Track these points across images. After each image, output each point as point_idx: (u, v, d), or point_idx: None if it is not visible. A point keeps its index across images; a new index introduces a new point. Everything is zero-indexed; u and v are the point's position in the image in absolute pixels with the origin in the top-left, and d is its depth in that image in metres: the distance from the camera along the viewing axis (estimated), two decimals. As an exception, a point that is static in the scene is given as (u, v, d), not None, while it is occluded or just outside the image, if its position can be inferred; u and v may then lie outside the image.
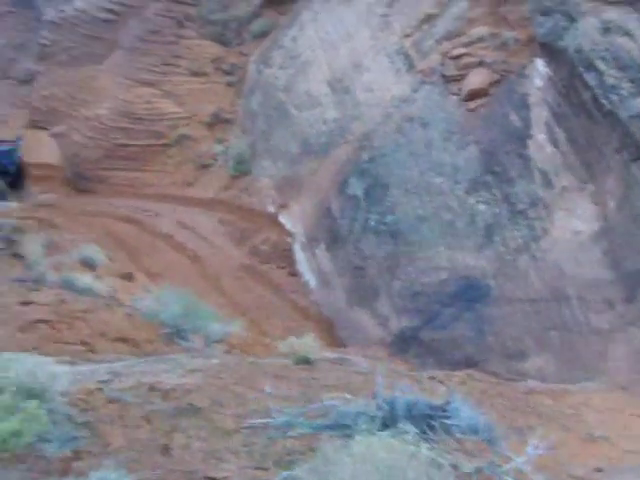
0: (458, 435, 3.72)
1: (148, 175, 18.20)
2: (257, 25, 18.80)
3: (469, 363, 9.34)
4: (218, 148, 17.52)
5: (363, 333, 11.60)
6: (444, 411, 3.85)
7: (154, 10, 19.50)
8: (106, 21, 19.85)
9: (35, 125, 20.05)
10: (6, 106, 20.75)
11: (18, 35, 21.53)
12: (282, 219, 14.61)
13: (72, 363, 4.93)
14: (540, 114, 11.01)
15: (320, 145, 14.29)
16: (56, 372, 3.68)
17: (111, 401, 4.01)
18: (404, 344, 10.65)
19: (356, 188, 12.67)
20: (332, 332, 11.97)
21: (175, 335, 7.46)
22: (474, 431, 3.82)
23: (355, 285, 12.16)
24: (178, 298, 7.81)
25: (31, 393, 3.43)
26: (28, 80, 20.86)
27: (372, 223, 12.11)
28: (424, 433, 3.53)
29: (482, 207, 11.00)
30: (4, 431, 3.08)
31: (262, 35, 18.58)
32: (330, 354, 7.41)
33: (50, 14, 20.24)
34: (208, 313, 8.04)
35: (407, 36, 13.81)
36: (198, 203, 16.69)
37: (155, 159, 18.22)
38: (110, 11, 19.76)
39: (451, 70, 12.58)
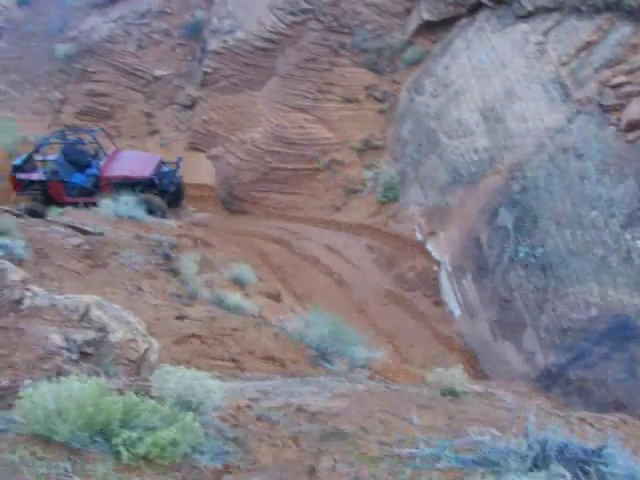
0: (614, 484, 3.47)
1: (298, 198, 18.93)
2: (410, 53, 19.28)
3: (618, 406, 9.11)
4: (368, 174, 18.00)
5: (507, 367, 11.53)
6: (599, 456, 3.58)
7: (310, 39, 20.51)
8: (264, 50, 21.05)
9: (194, 147, 21.38)
10: (170, 130, 22.34)
11: (185, 65, 23.25)
12: (429, 247, 14.80)
13: (222, 379, 4.95)
14: None
15: (470, 174, 14.38)
16: (210, 387, 3.82)
17: (260, 419, 4.18)
18: (549, 381, 10.52)
19: (506, 219, 12.67)
20: (475, 364, 12.03)
21: (320, 357, 7.69)
22: (632, 481, 3.55)
23: (501, 317, 12.12)
24: (324, 321, 7.99)
25: (188, 405, 3.62)
26: (190, 105, 22.32)
27: (521, 255, 12.03)
28: (577, 478, 3.41)
29: (639, 243, 10.75)
30: (164, 440, 3.24)
31: (414, 63, 19.03)
32: (476, 387, 7.21)
33: (214, 44, 21.70)
34: (353, 337, 8.08)
35: (563, 64, 13.75)
36: (346, 228, 17.08)
37: (305, 183, 18.97)
38: (269, 40, 20.98)
39: (610, 99, 12.34)
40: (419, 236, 15.22)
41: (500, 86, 14.82)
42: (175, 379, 3.75)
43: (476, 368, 11.91)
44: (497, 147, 14.10)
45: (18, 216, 12.07)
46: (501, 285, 12.27)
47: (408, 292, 14.14)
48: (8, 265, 5.10)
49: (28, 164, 17.30)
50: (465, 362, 11.88)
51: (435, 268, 14.27)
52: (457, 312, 13.14)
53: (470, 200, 13.98)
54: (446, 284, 13.70)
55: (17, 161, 17.33)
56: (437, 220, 14.84)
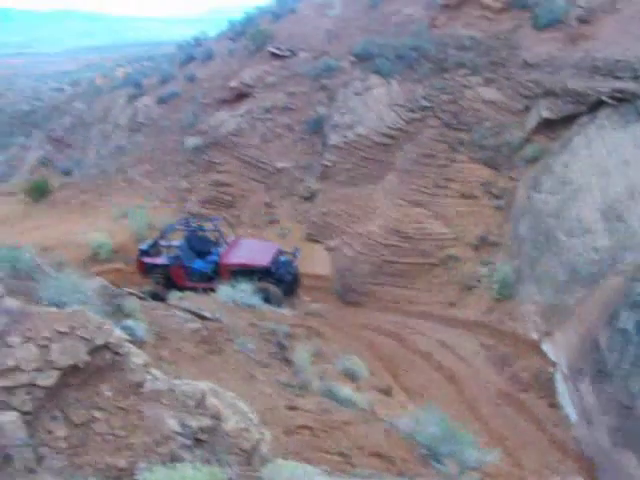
0: None
1: (413, 292, 19.24)
2: (528, 150, 19.79)
3: None
4: (483, 270, 18.26)
5: (628, 479, 11.22)
6: None
7: (429, 135, 21.41)
8: (383, 145, 22.12)
9: (311, 238, 22.24)
10: (289, 220, 23.35)
11: (305, 158, 24.58)
12: (545, 347, 14.75)
13: (330, 474, 5.08)
14: None
15: (589, 273, 14.37)
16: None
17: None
18: (673, 496, 10.19)
19: (627, 321, 12.48)
20: (592, 473, 11.72)
21: (431, 457, 7.54)
22: None
23: (621, 425, 11.79)
24: (436, 419, 7.86)
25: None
26: (309, 197, 23.41)
27: None
28: None
29: None
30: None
31: (533, 160, 19.51)
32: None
33: (335, 139, 22.96)
34: (465, 438, 7.86)
35: (688, 164, 13.76)
36: (459, 324, 17.21)
37: (421, 277, 19.34)
38: (388, 136, 22.03)
39: None
40: (534, 335, 15.20)
41: (622, 185, 14.90)
42: (287, 473, 3.95)
43: (593, 477, 11.55)
44: (618, 247, 14.08)
45: (142, 299, 12.95)
46: (622, 391, 12.01)
47: (522, 393, 14.01)
48: (132, 348, 5.29)
49: (153, 249, 18.63)
50: (582, 471, 11.70)
51: (550, 369, 14.15)
52: (573, 416, 12.89)
53: (589, 301, 13.91)
54: (562, 386, 13.52)
55: (144, 246, 18.69)
56: (553, 319, 14.79)
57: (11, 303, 4.87)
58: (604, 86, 17.57)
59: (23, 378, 4.30)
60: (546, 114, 19.38)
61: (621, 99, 16.77)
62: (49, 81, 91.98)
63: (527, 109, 20.73)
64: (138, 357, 5.25)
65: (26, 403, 4.25)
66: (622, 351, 12.33)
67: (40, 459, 4.16)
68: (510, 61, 22.13)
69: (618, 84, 17.18)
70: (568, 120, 18.88)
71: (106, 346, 4.92)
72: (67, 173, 33.34)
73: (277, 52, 30.19)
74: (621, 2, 20.64)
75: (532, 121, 20.14)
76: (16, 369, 4.31)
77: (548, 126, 19.54)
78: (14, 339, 4.44)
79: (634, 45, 18.40)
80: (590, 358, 13.02)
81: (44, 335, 4.52)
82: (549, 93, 19.65)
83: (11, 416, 4.11)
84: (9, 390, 4.25)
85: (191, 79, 33.58)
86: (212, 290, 15.46)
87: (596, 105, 17.79)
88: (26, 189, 31.17)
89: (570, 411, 13.04)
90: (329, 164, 22.70)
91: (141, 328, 8.54)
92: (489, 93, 21.70)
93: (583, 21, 21.07)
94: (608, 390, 12.28)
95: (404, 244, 19.93)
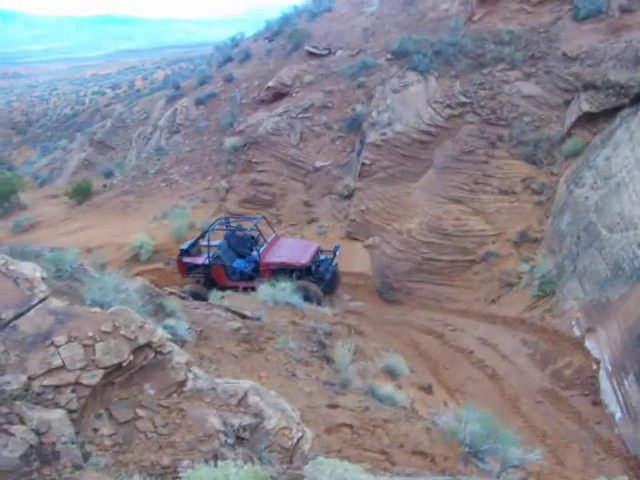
0: None
1: (453, 290, 19.25)
2: (569, 145, 19.59)
3: None
4: (524, 267, 18.07)
5: (673, 477, 11.09)
6: None
7: (467, 131, 21.31)
8: (422, 142, 22.05)
9: (351, 236, 22.30)
10: (328, 219, 23.50)
11: (344, 156, 24.68)
12: (588, 344, 14.49)
13: (372, 472, 5.03)
14: None
15: (633, 269, 14.12)
16: (361, 481, 3.86)
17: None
18: None
19: (671, 317, 12.40)
20: (638, 471, 11.53)
21: (472, 455, 7.43)
22: None
23: None
24: (478, 417, 7.72)
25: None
26: (348, 195, 23.42)
27: None
28: None
29: None
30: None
31: (573, 155, 19.31)
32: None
33: (373, 137, 22.93)
34: (507, 436, 7.69)
35: None
36: (501, 321, 17.07)
37: (461, 275, 19.33)
38: (426, 133, 21.97)
39: None
40: (577, 332, 15.01)
41: (666, 179, 14.63)
42: (328, 471, 3.93)
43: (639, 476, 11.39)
44: (662, 242, 13.83)
45: (183, 298, 13.16)
46: (667, 388, 11.84)
47: (564, 390, 13.82)
48: (174, 347, 5.37)
49: (194, 248, 18.92)
50: (629, 470, 11.47)
51: (594, 366, 13.92)
52: (618, 414, 12.66)
53: (633, 296, 13.68)
54: (606, 384, 13.32)
55: (184, 246, 18.99)
56: (596, 316, 14.59)
57: (56, 304, 5.02)
58: (647, 77, 17.31)
59: (69, 377, 4.43)
60: (587, 107, 19.14)
61: (664, 91, 16.51)
62: (90, 85, 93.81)
63: (567, 103, 20.52)
64: (180, 356, 5.35)
65: (72, 401, 4.38)
66: (667, 348, 12.17)
67: (86, 456, 4.28)
68: (549, 55, 21.93)
69: (662, 75, 16.91)
70: (609, 113, 18.63)
71: (149, 345, 5.02)
72: (108, 175, 34.01)
73: (314, 51, 30.35)
74: (663, -10, 20.31)
75: (572, 115, 19.91)
76: (62, 368, 4.44)
77: (589, 120, 19.30)
78: (59, 339, 4.57)
79: (678, 35, 18.09)
80: (634, 355, 12.81)
81: (88, 335, 4.66)
82: (590, 86, 19.40)
83: (58, 414, 4.23)
84: (56, 389, 4.37)
85: (229, 80, 33.98)
86: (252, 289, 15.75)
87: (639, 97, 17.50)
88: (69, 191, 31.94)
89: (614, 409, 12.81)
90: (367, 162, 22.68)
91: (182, 327, 8.72)
92: (528, 88, 21.51)
93: (625, 10, 20.73)
94: (654, 388, 12.13)
95: (444, 241, 19.93)
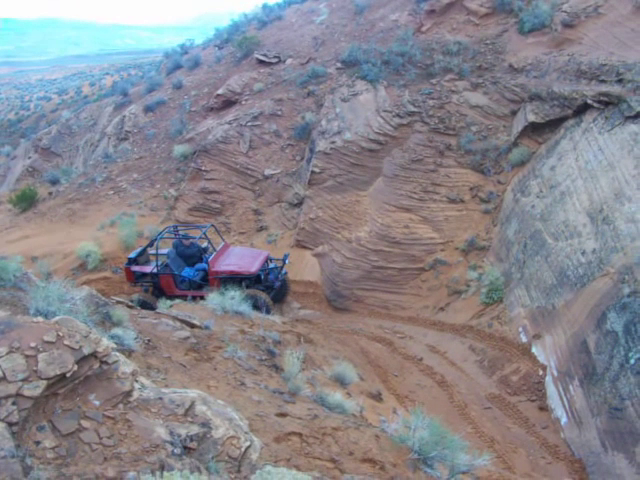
0: None
1: (402, 297, 19.43)
2: (515, 154, 19.97)
3: None
4: (472, 275, 18.34)
5: (618, 480, 11.28)
6: None
7: (416, 140, 21.52)
8: (371, 150, 22.15)
9: (300, 245, 22.33)
10: (278, 227, 23.50)
11: (293, 164, 24.68)
12: (534, 350, 14.78)
13: None
14: None
15: (577, 276, 14.41)
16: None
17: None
18: (663, 496, 10.19)
19: (615, 323, 12.57)
20: (584, 475, 11.72)
21: (421, 462, 7.40)
22: None
23: (611, 427, 11.78)
24: (427, 423, 7.68)
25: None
26: (297, 204, 23.54)
27: (632, 361, 11.80)
28: None
29: None
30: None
31: (520, 164, 19.71)
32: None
33: (322, 145, 22.95)
34: (456, 442, 7.67)
35: (674, 166, 13.86)
36: (449, 328, 17.29)
37: (410, 282, 19.51)
38: (375, 142, 22.08)
39: None
40: (524, 338, 15.25)
41: (608, 187, 14.98)
42: None
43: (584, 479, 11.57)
44: (606, 249, 14.11)
45: (130, 307, 12.89)
46: (611, 392, 12.03)
47: (512, 396, 14.01)
48: (120, 357, 5.31)
49: (142, 257, 18.62)
50: (573, 473, 11.67)
51: (540, 372, 14.18)
52: (564, 419, 12.88)
53: (577, 303, 13.95)
54: (552, 389, 13.54)
55: (132, 254, 18.71)
56: (543, 323, 14.84)
57: (-3, 313, 4.86)
58: (589, 90, 17.72)
59: (9, 389, 4.29)
60: (532, 118, 19.55)
61: (606, 102, 16.90)
62: (36, 90, 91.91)
63: (513, 113, 20.95)
64: (126, 366, 5.28)
65: (13, 414, 4.24)
66: (611, 353, 12.36)
67: (27, 470, 4.14)
68: (496, 66, 22.34)
69: (603, 87, 17.33)
70: (554, 124, 19.06)
71: (94, 355, 4.94)
72: (54, 182, 33.27)
73: (264, 59, 30.31)
74: (604, 7, 20.86)
75: (518, 125, 20.32)
76: (2, 380, 4.30)
77: (535, 130, 19.72)
78: (0, 350, 4.42)
79: (618, 49, 18.60)
80: (579, 360, 13.06)
81: (31, 345, 4.52)
82: (535, 97, 19.81)
83: (-3, 427, 4.09)
84: (-5, 401, 4.23)
85: (178, 87, 33.66)
86: (201, 298, 15.52)
87: (582, 108, 17.94)
88: (13, 199, 31.08)
89: (560, 413, 13.04)
90: (317, 170, 22.69)
91: (130, 337, 8.52)
92: (476, 98, 21.85)
93: (567, 25, 21.29)
94: (597, 392, 12.29)
95: (393, 249, 20.09)
